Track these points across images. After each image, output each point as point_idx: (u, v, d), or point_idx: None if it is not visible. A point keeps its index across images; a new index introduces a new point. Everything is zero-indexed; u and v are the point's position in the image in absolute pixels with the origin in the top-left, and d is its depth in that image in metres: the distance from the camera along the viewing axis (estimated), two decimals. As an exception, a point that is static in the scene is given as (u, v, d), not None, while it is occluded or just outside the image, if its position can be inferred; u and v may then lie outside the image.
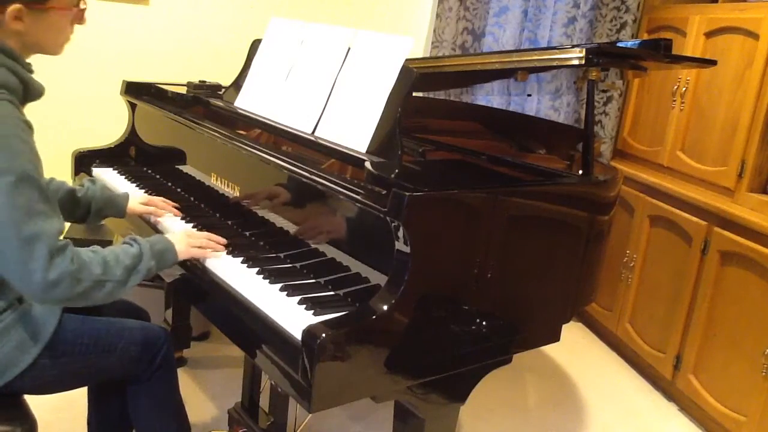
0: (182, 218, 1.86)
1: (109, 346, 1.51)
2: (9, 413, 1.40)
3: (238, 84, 2.10)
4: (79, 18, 1.43)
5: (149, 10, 2.88)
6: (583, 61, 1.66)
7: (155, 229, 1.83)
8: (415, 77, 1.58)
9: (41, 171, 1.29)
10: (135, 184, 2.11)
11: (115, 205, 1.81)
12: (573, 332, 3.32)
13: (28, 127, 1.30)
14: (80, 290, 1.30)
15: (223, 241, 1.64)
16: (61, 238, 1.29)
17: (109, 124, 2.77)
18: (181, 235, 1.58)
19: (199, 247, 1.58)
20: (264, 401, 2.04)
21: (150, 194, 1.96)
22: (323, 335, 1.15)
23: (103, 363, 1.51)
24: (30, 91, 1.37)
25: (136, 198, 1.86)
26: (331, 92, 1.74)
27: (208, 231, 1.70)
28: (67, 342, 1.45)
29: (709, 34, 2.73)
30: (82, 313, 1.55)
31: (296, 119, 1.80)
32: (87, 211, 1.77)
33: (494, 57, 1.89)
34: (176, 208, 1.89)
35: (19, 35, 1.33)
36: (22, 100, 1.35)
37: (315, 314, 1.34)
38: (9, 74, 1.30)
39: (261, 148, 1.67)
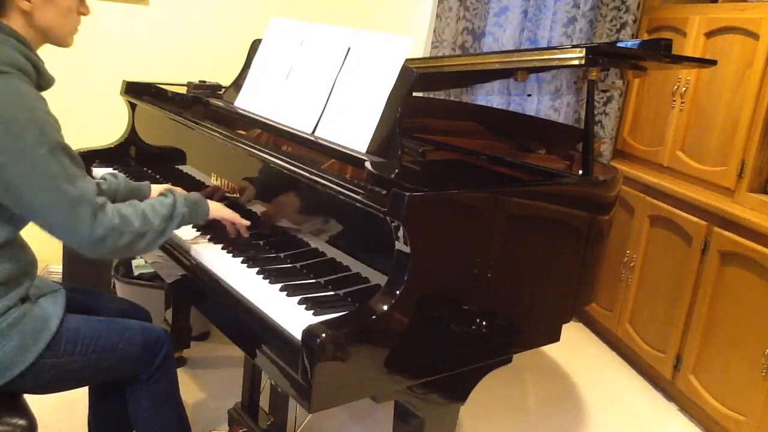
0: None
1: (109, 345, 1.51)
2: (9, 413, 1.40)
3: (238, 84, 2.10)
4: (83, 6, 1.47)
5: (149, 10, 2.88)
6: (583, 61, 1.66)
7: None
8: (415, 77, 1.57)
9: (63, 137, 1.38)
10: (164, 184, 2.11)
11: (139, 195, 1.84)
12: (573, 332, 3.32)
13: (44, 100, 1.37)
14: (124, 242, 1.40)
15: (246, 225, 1.71)
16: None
17: (109, 124, 2.77)
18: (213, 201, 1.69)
19: (230, 217, 1.68)
20: (264, 401, 2.04)
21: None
22: (323, 335, 1.15)
23: (103, 363, 1.51)
24: (43, 78, 1.43)
25: (158, 188, 1.88)
26: (331, 92, 1.74)
27: (208, 231, 1.72)
28: (69, 341, 1.45)
29: (709, 34, 2.73)
30: (83, 313, 1.56)
31: (296, 119, 1.80)
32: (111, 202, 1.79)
33: (494, 57, 1.88)
34: None
35: (27, 18, 1.39)
36: (36, 86, 1.40)
37: (315, 314, 1.34)
38: (23, 59, 1.36)
39: (261, 148, 1.67)
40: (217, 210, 1.65)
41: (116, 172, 1.89)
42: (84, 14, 1.48)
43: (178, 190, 1.71)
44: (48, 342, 1.42)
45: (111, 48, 2.85)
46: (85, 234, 1.34)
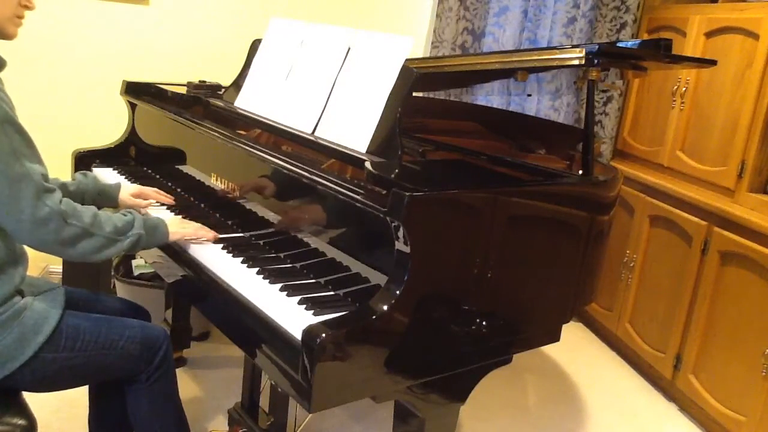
0: (173, 210, 1.91)
1: (109, 343, 1.51)
2: (9, 412, 1.40)
3: (238, 84, 2.10)
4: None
5: (149, 10, 2.88)
6: (583, 61, 1.66)
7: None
8: (415, 77, 1.57)
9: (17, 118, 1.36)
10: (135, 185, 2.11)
11: (108, 195, 1.84)
12: (573, 332, 3.32)
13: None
14: (69, 234, 1.36)
15: (214, 234, 1.69)
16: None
17: (109, 124, 2.77)
18: (174, 218, 1.69)
19: (191, 235, 1.66)
20: (264, 401, 2.04)
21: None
22: (323, 335, 1.15)
23: (102, 361, 1.51)
24: None
25: (128, 189, 1.88)
26: (331, 92, 1.74)
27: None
28: (68, 337, 1.46)
29: (709, 34, 2.73)
30: (83, 311, 1.56)
31: (296, 119, 1.80)
32: (80, 203, 1.78)
33: (494, 57, 1.88)
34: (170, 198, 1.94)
35: None
36: None
37: (315, 314, 1.34)
38: None
39: (261, 148, 1.67)
40: (175, 234, 1.62)
41: (86, 171, 1.89)
42: (29, 8, 1.44)
43: (139, 213, 1.70)
44: (48, 336, 1.42)
45: (111, 48, 2.85)
46: (27, 212, 1.31)
